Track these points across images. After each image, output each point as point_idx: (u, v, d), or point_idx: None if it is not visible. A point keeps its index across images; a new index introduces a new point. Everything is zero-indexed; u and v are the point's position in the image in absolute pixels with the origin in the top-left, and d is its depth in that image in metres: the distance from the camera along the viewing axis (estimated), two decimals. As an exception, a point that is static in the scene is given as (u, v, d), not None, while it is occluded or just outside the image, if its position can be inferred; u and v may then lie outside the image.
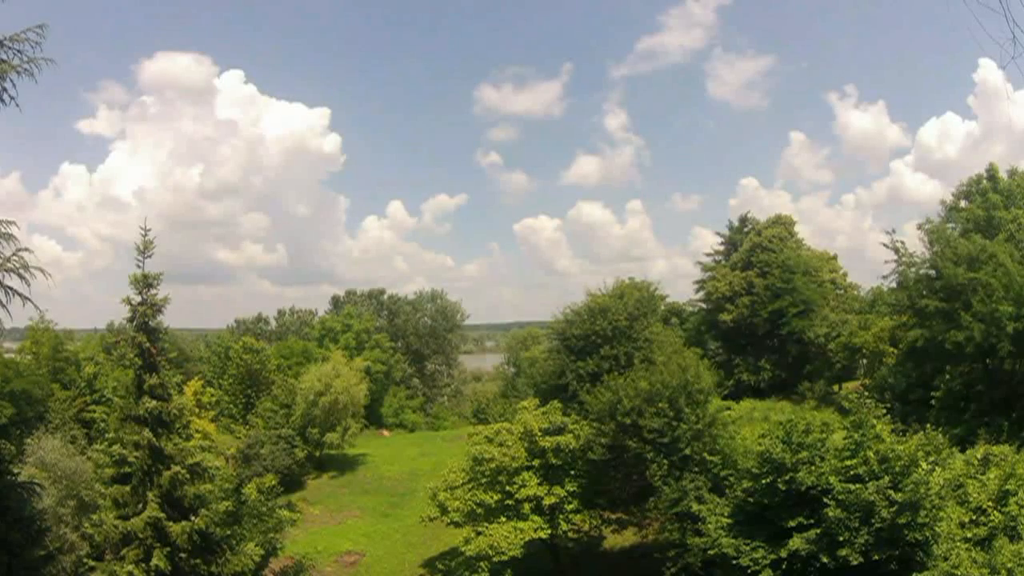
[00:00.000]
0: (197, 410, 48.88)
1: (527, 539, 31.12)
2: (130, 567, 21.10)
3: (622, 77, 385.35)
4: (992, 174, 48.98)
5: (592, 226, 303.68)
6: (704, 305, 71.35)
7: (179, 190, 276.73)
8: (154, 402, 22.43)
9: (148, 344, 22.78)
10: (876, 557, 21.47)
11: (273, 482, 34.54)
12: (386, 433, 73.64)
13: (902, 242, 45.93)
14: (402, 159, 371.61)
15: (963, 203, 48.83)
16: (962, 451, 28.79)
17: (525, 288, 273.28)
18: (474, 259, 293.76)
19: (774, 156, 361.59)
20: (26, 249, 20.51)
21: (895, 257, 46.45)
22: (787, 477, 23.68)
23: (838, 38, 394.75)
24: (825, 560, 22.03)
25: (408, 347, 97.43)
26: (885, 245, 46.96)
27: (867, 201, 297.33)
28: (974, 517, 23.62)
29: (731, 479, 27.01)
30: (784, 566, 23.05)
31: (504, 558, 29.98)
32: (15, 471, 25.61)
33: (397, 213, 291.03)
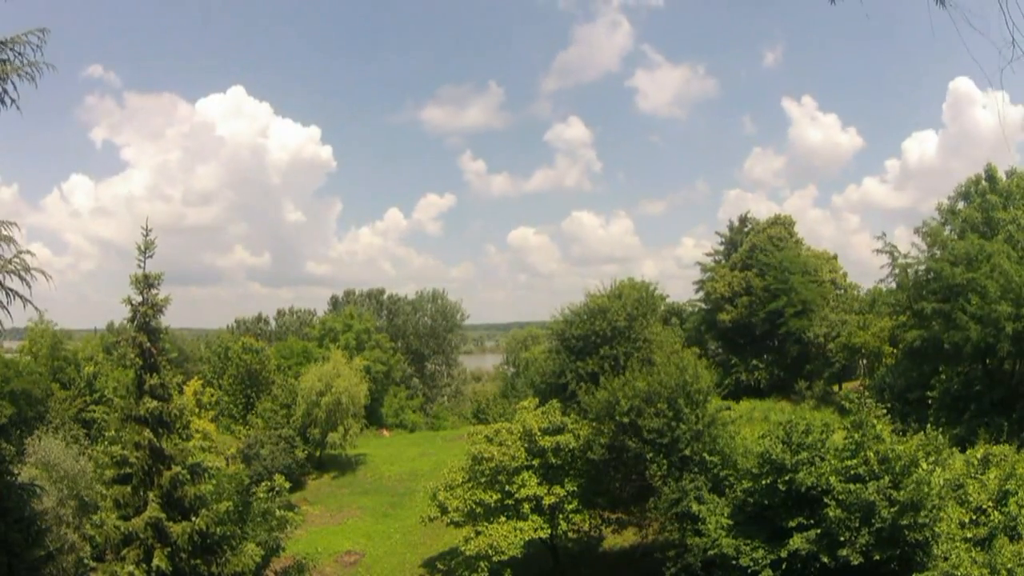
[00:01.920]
0: (197, 410, 48.87)
1: (527, 539, 31.13)
2: (131, 567, 21.10)
3: (554, 91, 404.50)
4: (991, 175, 48.89)
5: (562, 229, 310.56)
6: (704, 305, 71.51)
7: (172, 199, 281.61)
8: (155, 402, 22.42)
9: (149, 344, 22.76)
10: (877, 557, 21.52)
11: (283, 483, 34.56)
12: (386, 433, 73.67)
13: (893, 246, 46.18)
14: (384, 173, 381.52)
15: (961, 205, 48.75)
16: (962, 451, 28.83)
17: (511, 290, 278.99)
18: (460, 263, 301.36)
19: (734, 162, 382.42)
20: (28, 252, 20.61)
21: (888, 260, 46.67)
22: (787, 477, 23.71)
23: (795, 48, 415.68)
24: (826, 560, 22.08)
25: (408, 347, 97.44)
26: (878, 250, 47.14)
27: (841, 206, 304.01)
28: (974, 517, 23.66)
29: (731, 479, 27.04)
30: (784, 566, 23.09)
31: (504, 558, 30.00)
32: (15, 471, 25.66)
33: (385, 222, 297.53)
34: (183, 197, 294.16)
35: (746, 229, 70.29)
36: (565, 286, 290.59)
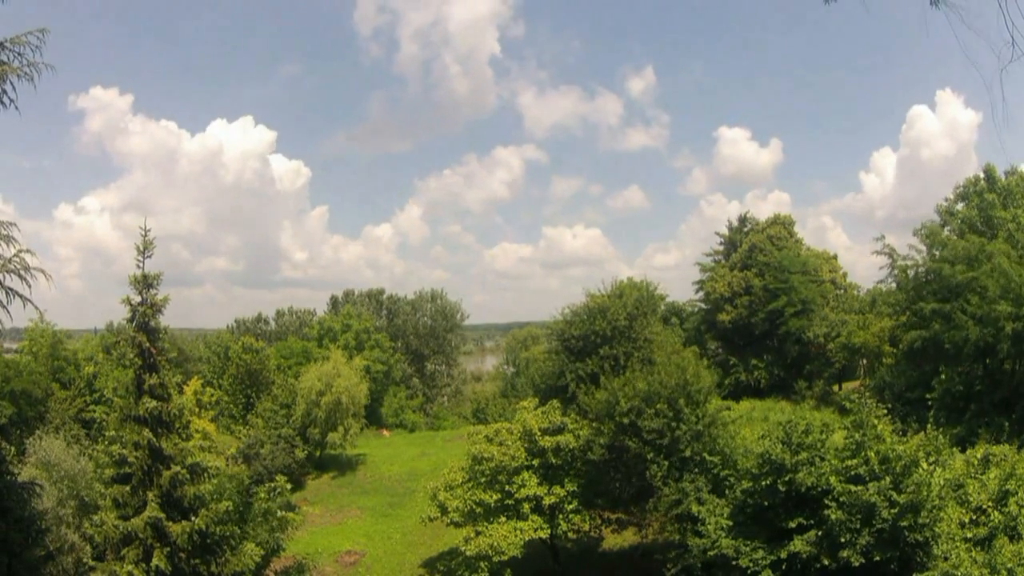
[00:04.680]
0: (197, 410, 48.79)
1: (527, 539, 31.12)
2: (130, 567, 21.07)
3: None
4: (989, 174, 48.90)
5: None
6: (703, 305, 71.51)
7: (154, 209, 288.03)
8: (154, 402, 22.39)
9: (148, 344, 22.72)
10: (877, 558, 21.52)
11: (285, 484, 34.47)
12: (386, 433, 73.67)
13: (892, 247, 46.30)
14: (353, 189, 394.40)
15: (960, 205, 48.78)
16: (962, 451, 28.84)
17: (492, 292, 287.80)
18: (436, 269, 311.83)
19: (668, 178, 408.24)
20: (28, 251, 20.57)
21: (888, 262, 46.80)
22: (787, 478, 23.71)
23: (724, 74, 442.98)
24: (826, 562, 22.07)
25: (408, 347, 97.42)
26: (877, 252, 47.30)
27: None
28: (974, 517, 23.68)
29: (731, 479, 27.02)
30: (784, 567, 23.08)
31: (504, 558, 29.98)
32: (15, 471, 25.62)
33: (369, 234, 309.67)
34: (164, 208, 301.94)
35: (746, 229, 70.24)
36: (542, 287, 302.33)
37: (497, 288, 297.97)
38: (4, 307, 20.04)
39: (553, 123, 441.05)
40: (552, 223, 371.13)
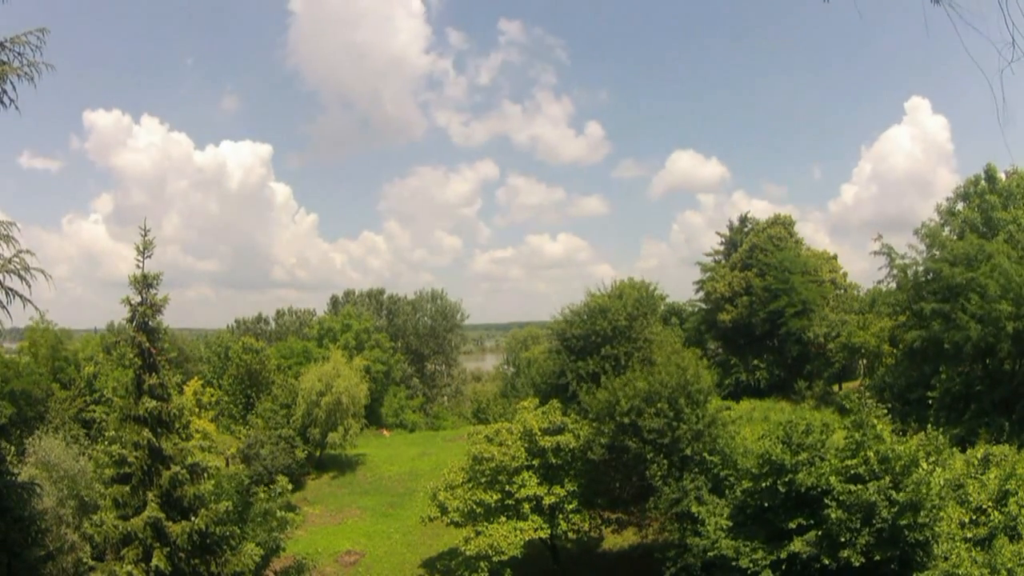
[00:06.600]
0: (197, 410, 48.86)
1: (527, 539, 31.12)
2: (130, 567, 21.06)
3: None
4: (990, 175, 48.87)
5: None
6: (704, 305, 71.53)
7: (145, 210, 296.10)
8: (154, 402, 22.39)
9: (148, 344, 22.72)
10: (877, 557, 21.51)
11: (286, 485, 34.42)
12: (386, 433, 73.66)
13: (891, 247, 46.22)
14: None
15: (960, 205, 48.72)
16: (962, 451, 28.84)
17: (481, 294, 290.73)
18: (420, 272, 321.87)
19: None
20: (28, 251, 20.60)
21: (887, 262, 46.74)
22: (787, 478, 23.69)
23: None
24: (826, 561, 22.06)
25: (408, 347, 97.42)
26: (876, 252, 47.21)
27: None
28: (974, 517, 23.67)
29: (731, 479, 27.03)
30: (784, 567, 23.07)
31: (504, 558, 29.98)
32: (15, 471, 25.66)
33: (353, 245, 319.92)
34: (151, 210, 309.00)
35: (746, 229, 70.29)
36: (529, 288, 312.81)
37: (481, 291, 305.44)
38: (4, 307, 20.07)
39: (507, 138, 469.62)
40: (531, 229, 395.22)
